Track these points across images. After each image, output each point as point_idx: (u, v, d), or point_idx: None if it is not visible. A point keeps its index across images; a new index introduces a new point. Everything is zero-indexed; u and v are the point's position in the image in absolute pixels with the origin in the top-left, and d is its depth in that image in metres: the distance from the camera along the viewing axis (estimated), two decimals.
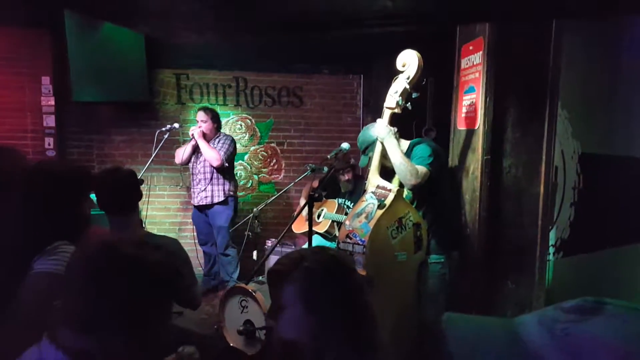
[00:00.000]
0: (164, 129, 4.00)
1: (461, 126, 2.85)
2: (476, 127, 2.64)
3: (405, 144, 2.52)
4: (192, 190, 4.18)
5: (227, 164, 4.04)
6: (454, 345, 0.57)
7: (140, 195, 2.07)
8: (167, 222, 4.84)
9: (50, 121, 4.65)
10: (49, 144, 4.67)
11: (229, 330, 2.09)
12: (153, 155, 3.93)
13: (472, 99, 2.69)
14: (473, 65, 2.70)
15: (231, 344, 2.07)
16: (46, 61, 4.56)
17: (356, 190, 3.87)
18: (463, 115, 2.82)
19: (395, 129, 2.43)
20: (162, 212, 4.85)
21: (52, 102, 4.62)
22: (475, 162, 2.64)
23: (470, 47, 2.74)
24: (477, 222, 2.60)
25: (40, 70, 4.58)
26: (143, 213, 4.30)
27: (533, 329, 0.56)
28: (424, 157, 2.38)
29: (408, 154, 2.44)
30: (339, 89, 4.92)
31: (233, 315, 2.09)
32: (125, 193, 1.98)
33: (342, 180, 3.98)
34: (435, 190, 2.46)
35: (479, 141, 2.60)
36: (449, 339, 0.57)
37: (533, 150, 2.54)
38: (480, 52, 2.60)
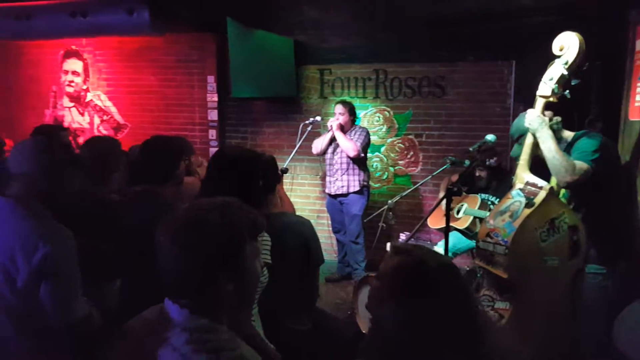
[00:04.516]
0: (307, 121, 4.23)
1: (634, 117, 2.46)
2: None
3: (569, 135, 2.26)
4: (327, 179, 4.37)
5: (362, 155, 4.16)
6: None
7: (278, 179, 2.23)
8: (307, 209, 5.09)
9: (213, 115, 5.26)
10: (212, 135, 5.28)
11: (362, 317, 2.12)
12: (297, 146, 4.16)
13: None
14: None
15: (363, 331, 2.10)
16: (212, 62, 5.16)
17: (501, 186, 3.60)
18: (637, 104, 2.42)
19: (559, 119, 2.19)
20: (302, 199, 5.13)
21: (216, 99, 5.21)
22: None
23: None
24: None
25: (207, 70, 5.19)
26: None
27: None
28: (587, 152, 2.10)
29: (570, 146, 2.18)
30: (486, 76, 4.59)
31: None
32: (266, 175, 2.15)
33: (475, 175, 3.74)
34: (600, 190, 2.15)
35: None
36: None
37: None
38: None
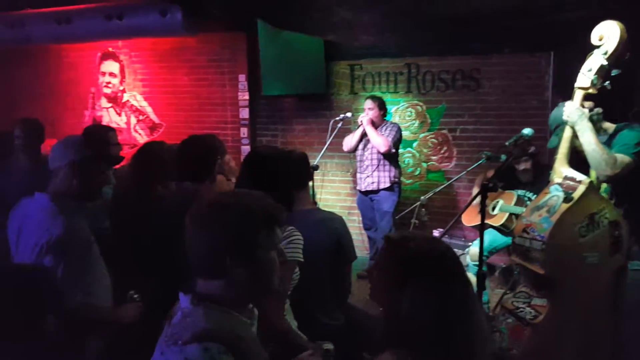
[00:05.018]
0: (337, 118, 4.22)
1: None
2: None
3: (610, 127, 2.17)
4: (358, 176, 4.36)
5: (393, 150, 4.12)
6: None
7: (310, 176, 2.25)
8: (338, 206, 5.08)
9: (244, 113, 5.32)
10: (244, 134, 5.34)
11: None
12: (327, 143, 4.16)
13: None
14: None
15: None
16: (242, 61, 5.22)
17: (538, 181, 3.48)
18: None
19: (600, 110, 2.11)
20: (333, 196, 5.13)
21: (247, 97, 5.27)
22: None
23: None
24: None
25: (238, 69, 5.26)
26: (317, 196, 4.62)
27: None
28: (629, 145, 2.02)
29: (611, 139, 2.09)
30: (523, 69, 4.45)
31: None
32: (297, 171, 2.15)
33: (519, 169, 3.63)
34: None
35: None
36: None
37: None
38: None
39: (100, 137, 2.92)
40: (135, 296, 1.96)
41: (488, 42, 4.45)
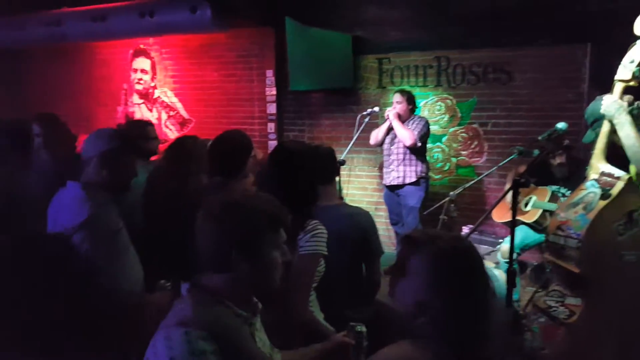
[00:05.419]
0: (365, 112, 4.18)
1: None
2: None
3: None
4: (384, 170, 4.33)
5: (419, 144, 4.06)
6: None
7: (336, 170, 2.25)
8: (365, 201, 5.05)
9: (272, 109, 5.35)
10: (271, 129, 5.37)
11: None
12: (354, 138, 4.13)
13: None
14: None
15: None
16: (270, 56, 5.24)
17: (573, 177, 3.37)
18: None
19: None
20: (360, 191, 5.11)
21: (274, 92, 5.29)
22: None
23: None
24: None
25: (265, 65, 5.29)
26: (344, 191, 4.61)
27: None
28: None
29: None
30: (558, 61, 4.31)
31: None
32: (324, 166, 2.15)
33: (553, 164, 3.52)
34: None
35: None
36: None
37: None
38: None
39: (138, 130, 2.99)
40: (167, 284, 2.01)
41: (521, 34, 4.32)
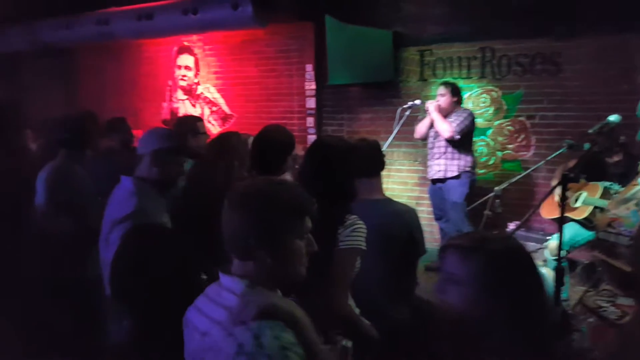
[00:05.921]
0: (405, 106, 4.11)
1: None
2: None
3: None
4: (428, 163, 4.27)
5: (457, 137, 3.96)
6: None
7: (382, 164, 2.23)
8: (405, 196, 4.99)
9: (311, 103, 5.36)
10: (310, 123, 5.39)
11: None
12: (395, 131, 4.08)
13: None
14: None
15: None
16: (309, 51, 5.25)
17: (628, 173, 3.19)
18: None
19: None
20: (400, 185, 5.05)
21: (313, 87, 5.30)
22: None
23: None
24: None
25: (305, 59, 5.31)
26: (384, 186, 4.56)
27: None
28: None
29: None
30: (611, 51, 4.08)
31: None
32: (366, 159, 2.13)
33: (611, 162, 3.34)
34: None
35: None
36: None
37: None
38: None
39: (188, 126, 3.10)
40: (205, 277, 2.05)
41: (571, 23, 4.12)
